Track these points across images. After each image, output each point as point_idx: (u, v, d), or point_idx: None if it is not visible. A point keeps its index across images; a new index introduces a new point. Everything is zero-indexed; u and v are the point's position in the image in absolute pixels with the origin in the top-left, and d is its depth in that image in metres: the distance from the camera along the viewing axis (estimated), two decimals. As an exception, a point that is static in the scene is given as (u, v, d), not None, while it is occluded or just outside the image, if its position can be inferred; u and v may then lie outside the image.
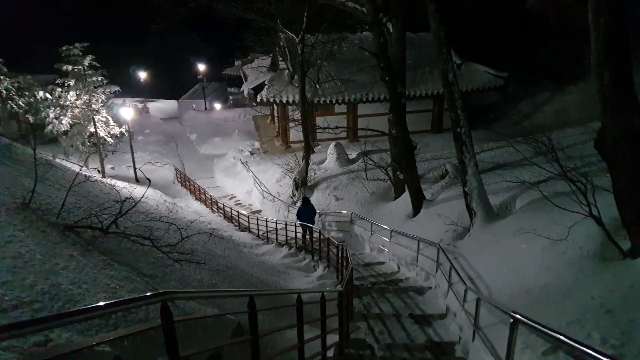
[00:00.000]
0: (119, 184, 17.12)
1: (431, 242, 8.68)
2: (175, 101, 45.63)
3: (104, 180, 16.36)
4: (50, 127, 20.09)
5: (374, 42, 10.84)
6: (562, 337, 2.15)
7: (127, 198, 6.82)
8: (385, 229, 11.15)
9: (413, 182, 11.63)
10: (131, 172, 22.72)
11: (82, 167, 8.87)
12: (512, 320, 2.86)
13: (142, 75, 54.48)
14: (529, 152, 7.79)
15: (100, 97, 20.57)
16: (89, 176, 11.23)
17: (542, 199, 7.63)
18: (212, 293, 5.00)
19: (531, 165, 10.28)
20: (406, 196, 12.46)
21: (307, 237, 13.05)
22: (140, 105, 42.99)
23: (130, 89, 53.03)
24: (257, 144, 28.10)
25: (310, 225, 12.65)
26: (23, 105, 19.80)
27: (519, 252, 6.26)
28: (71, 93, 20.15)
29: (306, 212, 12.88)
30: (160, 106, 48.30)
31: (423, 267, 9.03)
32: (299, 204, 17.14)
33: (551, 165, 6.17)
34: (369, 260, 11.79)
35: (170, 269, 6.90)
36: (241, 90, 27.90)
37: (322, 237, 11.58)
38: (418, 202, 11.60)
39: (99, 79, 20.31)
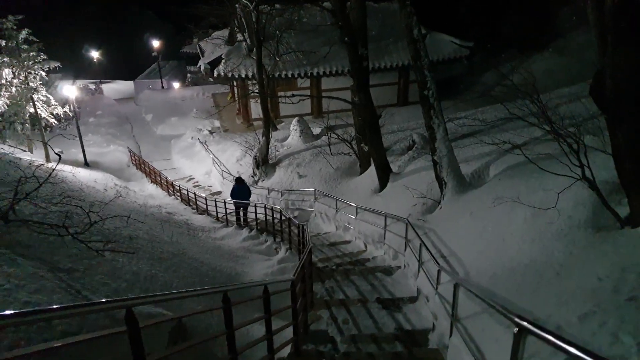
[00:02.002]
0: (58, 167, 15.62)
1: (399, 217, 7.91)
2: (132, 82, 43.21)
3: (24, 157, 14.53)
4: (-17, 108, 18.19)
5: (331, -1, 9.80)
6: None
7: (22, 178, 5.59)
8: (350, 205, 10.35)
9: (378, 154, 10.80)
10: (81, 157, 21.07)
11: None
12: (516, 328, 2.01)
13: (95, 54, 51.65)
14: (504, 114, 7.05)
15: (38, 74, 18.70)
16: None
17: (519, 165, 6.95)
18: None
19: (503, 131, 9.67)
20: (372, 170, 11.67)
21: (242, 215, 13.31)
22: (92, 87, 40.56)
23: (85, 71, 50.32)
24: (217, 123, 26.73)
25: (244, 202, 12.89)
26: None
27: (496, 224, 5.52)
28: (6, 70, 18.24)
29: (240, 192, 12.99)
30: (116, 87, 46.02)
31: (391, 245, 8.27)
32: (260, 183, 16.22)
33: (534, 126, 5.42)
34: (334, 239, 10.98)
35: (97, 261, 5.85)
36: (198, 65, 26.35)
37: (283, 217, 10.68)
38: (384, 175, 10.81)
39: (36, 54, 18.39)
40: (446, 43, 23.76)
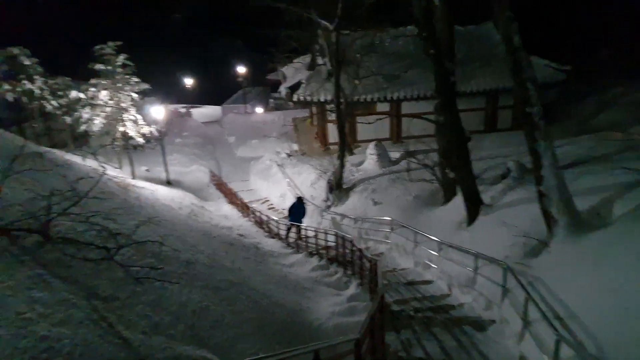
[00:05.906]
0: (140, 183, 15.92)
1: (494, 259, 6.57)
2: (220, 107, 45.39)
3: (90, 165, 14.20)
4: (83, 127, 19.43)
5: (414, 7, 8.77)
6: None
7: (55, 190, 5.12)
8: (432, 240, 9.10)
9: (467, 181, 9.45)
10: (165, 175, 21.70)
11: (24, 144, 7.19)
12: None
13: (189, 82, 55.20)
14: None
15: (130, 95, 19.64)
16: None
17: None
18: None
19: (624, 160, 8.00)
20: (458, 200, 10.31)
21: (293, 233, 13.65)
22: (183, 110, 42.95)
23: (179, 96, 53.76)
24: (295, 146, 26.64)
25: (298, 223, 13.37)
26: (54, 105, 19.29)
27: (637, 280, 4.10)
28: (104, 92, 19.38)
29: (299, 210, 13.44)
30: (205, 111, 48.44)
31: (482, 292, 6.89)
32: (333, 209, 15.40)
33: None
34: (412, 277, 9.71)
35: (142, 288, 5.23)
36: (279, 90, 26.61)
37: (354, 247, 9.66)
38: (474, 207, 9.40)
39: (127, 77, 19.35)
40: (540, 67, 21.67)
